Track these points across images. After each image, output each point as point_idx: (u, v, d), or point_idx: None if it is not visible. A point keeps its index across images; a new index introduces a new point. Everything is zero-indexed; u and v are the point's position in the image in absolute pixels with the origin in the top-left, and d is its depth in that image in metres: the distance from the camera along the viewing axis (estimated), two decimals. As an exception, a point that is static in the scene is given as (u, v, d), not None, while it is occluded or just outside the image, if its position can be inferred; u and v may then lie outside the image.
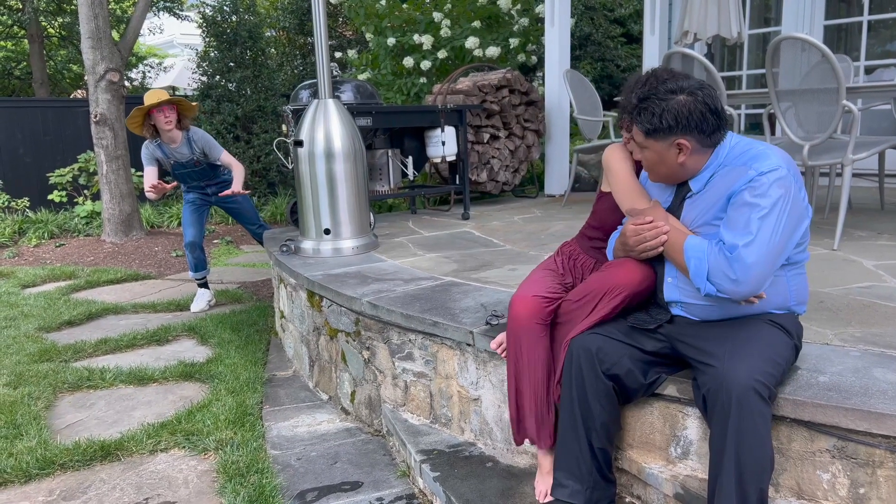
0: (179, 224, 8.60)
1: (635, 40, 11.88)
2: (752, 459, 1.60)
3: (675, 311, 1.98)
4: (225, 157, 4.68)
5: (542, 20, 7.09)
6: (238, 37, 9.76)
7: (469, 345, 2.48)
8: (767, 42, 6.33)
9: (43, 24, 11.54)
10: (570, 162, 6.18)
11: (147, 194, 4.44)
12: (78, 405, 3.35)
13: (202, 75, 10.13)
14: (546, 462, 2.13)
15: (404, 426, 2.72)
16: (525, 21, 7.11)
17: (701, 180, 1.89)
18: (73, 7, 11.78)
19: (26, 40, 11.88)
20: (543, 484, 2.11)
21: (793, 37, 3.49)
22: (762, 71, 6.78)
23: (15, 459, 2.71)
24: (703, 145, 1.83)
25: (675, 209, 1.96)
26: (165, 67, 14.87)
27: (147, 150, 4.57)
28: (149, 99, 4.36)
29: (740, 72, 6.97)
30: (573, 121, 6.37)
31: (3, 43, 12.15)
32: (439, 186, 5.40)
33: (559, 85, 5.95)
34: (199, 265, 4.94)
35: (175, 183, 4.77)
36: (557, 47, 5.95)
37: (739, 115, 6.56)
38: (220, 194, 4.76)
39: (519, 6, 7.32)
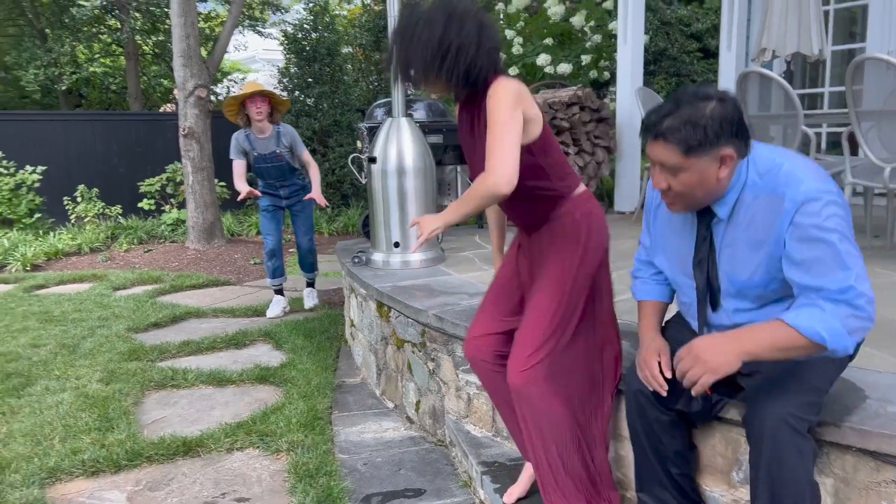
0: (258, 233, 8.97)
1: (712, 55, 11.64)
2: (787, 493, 1.57)
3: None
4: (306, 156, 4.94)
5: (615, 36, 7.08)
6: (317, 54, 10.14)
7: (532, 360, 2.53)
8: (853, 58, 6.13)
9: (139, 42, 12.30)
10: (641, 179, 6.13)
11: (237, 186, 4.67)
12: (163, 402, 3.58)
13: (283, 90, 10.57)
14: None
15: (467, 437, 2.79)
16: (598, 38, 7.11)
17: (727, 204, 1.72)
18: (166, 26, 12.50)
19: (123, 57, 12.69)
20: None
21: (875, 58, 3.40)
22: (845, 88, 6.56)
23: (107, 451, 2.93)
24: (741, 154, 1.66)
25: (701, 242, 1.82)
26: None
27: (236, 140, 4.77)
28: (245, 89, 4.65)
29: (822, 89, 6.75)
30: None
31: (102, 59, 12.99)
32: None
33: (631, 102, 5.92)
34: (277, 272, 5.16)
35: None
36: (630, 65, 5.94)
37: (819, 133, 6.35)
38: (304, 198, 4.95)
39: (592, 23, 7.33)
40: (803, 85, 6.94)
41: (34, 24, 11.54)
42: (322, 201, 4.80)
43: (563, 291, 2.07)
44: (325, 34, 10.21)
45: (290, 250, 8.04)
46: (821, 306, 1.55)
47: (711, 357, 1.58)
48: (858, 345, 1.70)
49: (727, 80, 6.07)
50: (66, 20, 11.56)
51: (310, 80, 10.12)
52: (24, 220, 8.46)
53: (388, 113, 4.71)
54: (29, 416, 3.31)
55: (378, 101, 4.70)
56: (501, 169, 1.83)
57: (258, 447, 3.03)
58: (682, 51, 11.70)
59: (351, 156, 4.58)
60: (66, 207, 8.81)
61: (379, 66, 13.56)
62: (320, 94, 10.11)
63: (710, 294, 1.85)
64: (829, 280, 1.55)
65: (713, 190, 1.68)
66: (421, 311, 3.07)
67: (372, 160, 4.00)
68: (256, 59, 24.80)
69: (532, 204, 2.13)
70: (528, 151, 1.99)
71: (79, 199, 8.84)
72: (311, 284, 5.48)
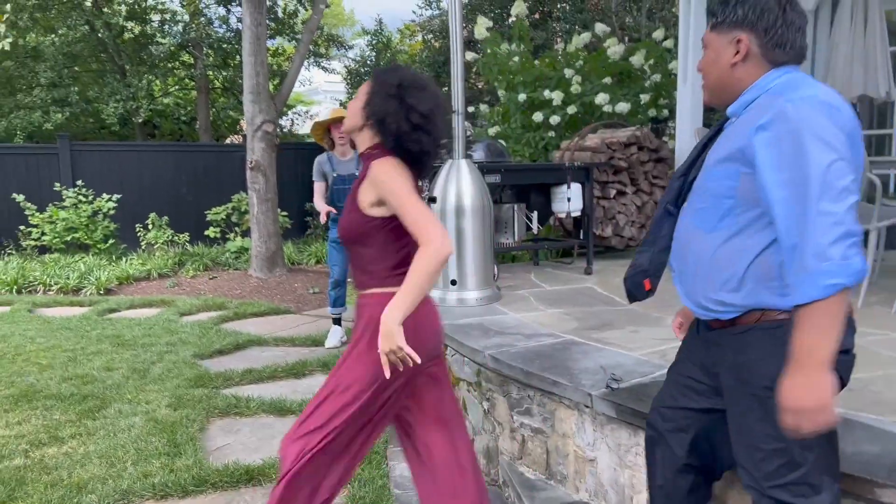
0: (317, 262, 9.22)
1: (775, 91, 11.47)
2: None
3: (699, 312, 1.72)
4: None
5: (675, 74, 7.09)
6: (378, 89, 10.45)
7: (587, 406, 2.56)
8: (923, 98, 5.97)
9: (210, 76, 12.92)
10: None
11: (317, 206, 4.99)
12: (226, 430, 3.73)
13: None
14: None
15: (520, 479, 2.82)
16: (657, 77, 7.13)
17: (741, 103, 1.62)
18: (235, 62, 13.10)
19: (194, 91, 13.34)
20: None
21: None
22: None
23: (175, 475, 3.07)
24: (762, 54, 1.58)
25: (702, 144, 1.76)
26: (311, 115, 16.08)
27: (318, 163, 5.09)
28: (331, 115, 5.05)
29: (890, 130, 6.58)
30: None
31: (174, 92, 13.67)
32: (562, 240, 5.51)
33: (690, 142, 5.90)
34: (339, 302, 5.32)
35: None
36: (690, 105, 5.93)
37: (889, 174, 6.18)
38: None
39: (651, 61, 7.36)
40: (870, 125, 6.78)
41: (115, 61, 12.27)
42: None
43: None
44: (387, 70, 10.52)
45: (348, 280, 8.23)
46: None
47: (804, 400, 1.38)
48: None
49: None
50: (145, 56, 12.25)
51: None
52: (98, 246, 8.92)
53: (449, 153, 4.84)
54: (104, 439, 3.49)
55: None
56: (434, 233, 1.83)
57: (316, 479, 3.12)
58: (743, 86, 11.56)
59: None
60: (138, 234, 9.26)
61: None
62: (380, 128, 10.37)
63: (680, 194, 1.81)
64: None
65: (725, 77, 1.63)
66: (477, 351, 3.14)
67: (432, 199, 4.12)
68: (318, 90, 25.61)
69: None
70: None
71: (150, 227, 9.28)
72: (337, 322, 5.48)
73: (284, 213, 9.06)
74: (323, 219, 4.90)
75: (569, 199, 4.94)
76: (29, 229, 8.87)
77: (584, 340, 3.24)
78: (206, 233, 9.58)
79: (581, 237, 5.25)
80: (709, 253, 1.63)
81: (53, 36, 11.53)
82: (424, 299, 1.96)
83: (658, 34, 7.52)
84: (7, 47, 8.66)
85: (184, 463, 3.20)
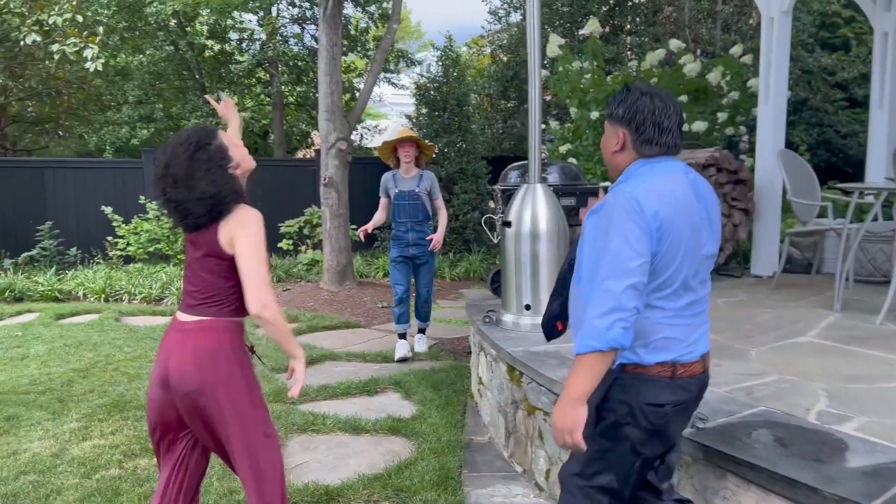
0: (385, 275, 9.36)
1: (859, 105, 11.00)
2: None
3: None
4: (440, 202, 5.52)
5: (753, 93, 6.89)
6: (447, 104, 10.56)
7: (671, 445, 2.51)
8: None
9: (285, 92, 13.33)
10: (782, 242, 5.88)
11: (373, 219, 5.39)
12: (304, 447, 3.82)
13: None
14: None
15: (599, 514, 2.78)
16: (736, 94, 6.95)
17: (617, 182, 1.98)
18: (308, 78, 13.47)
19: (269, 107, 13.79)
20: None
21: None
22: None
23: (259, 492, 3.17)
24: (634, 146, 1.95)
25: None
26: (380, 129, 16.36)
27: (383, 180, 5.40)
28: (399, 135, 5.41)
29: None
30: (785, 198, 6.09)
31: (251, 107, 14.15)
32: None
33: (771, 164, 5.73)
34: (403, 318, 5.51)
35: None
36: (772, 125, 5.76)
37: None
38: (428, 241, 5.36)
39: (728, 78, 7.18)
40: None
41: (196, 78, 12.82)
42: (437, 245, 5.32)
43: None
44: (456, 85, 10.62)
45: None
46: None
47: (559, 421, 1.85)
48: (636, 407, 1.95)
49: (879, 140, 5.74)
50: (224, 74, 12.74)
51: (438, 129, 10.53)
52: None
53: (523, 176, 4.85)
54: (190, 452, 3.63)
55: (513, 165, 4.86)
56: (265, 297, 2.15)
57: (393, 502, 3.16)
58: (825, 100, 11.14)
59: (484, 216, 4.75)
60: (216, 246, 9.60)
61: (504, 115, 13.89)
62: (448, 143, 10.48)
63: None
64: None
65: (610, 159, 2.04)
66: (554, 381, 3.12)
67: (507, 224, 4.13)
68: (385, 103, 26.00)
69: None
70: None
71: (227, 239, 9.61)
72: (422, 331, 5.82)
73: (353, 227, 9.25)
74: (361, 235, 5.28)
75: (645, 223, 4.85)
76: (115, 240, 9.34)
77: (665, 373, 3.18)
78: (280, 245, 9.86)
79: (656, 261, 5.15)
80: (579, 304, 2.00)
81: (141, 56, 12.13)
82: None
83: (736, 49, 7.33)
84: (100, 67, 9.14)
85: (266, 480, 3.29)
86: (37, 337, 6.23)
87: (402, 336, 5.55)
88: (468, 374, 5.06)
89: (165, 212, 2.28)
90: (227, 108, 2.74)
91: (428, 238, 5.35)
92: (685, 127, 6.53)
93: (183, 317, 2.24)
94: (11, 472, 3.40)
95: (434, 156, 10.42)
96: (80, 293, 8.09)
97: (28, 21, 9.34)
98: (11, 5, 9.18)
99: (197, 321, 2.22)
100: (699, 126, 6.47)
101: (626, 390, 1.93)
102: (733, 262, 6.55)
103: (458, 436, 3.92)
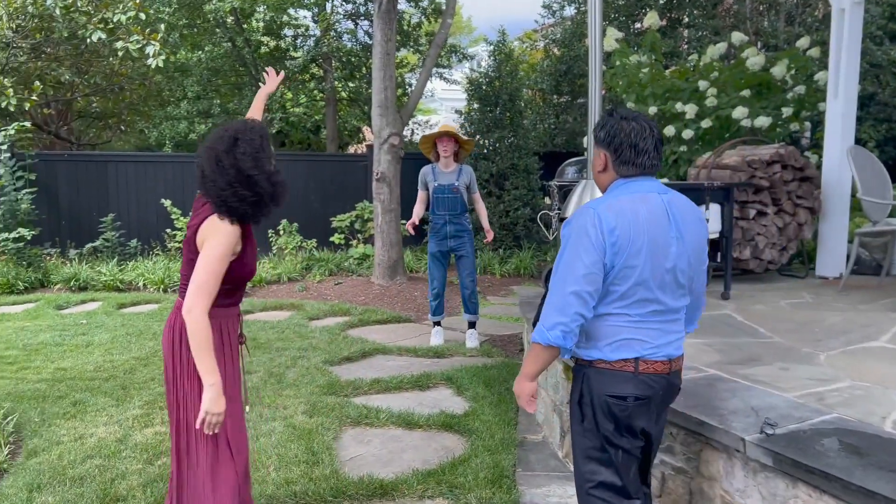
0: (434, 271, 9.37)
1: (932, 99, 10.49)
2: None
3: None
4: (477, 196, 5.70)
5: (820, 86, 6.63)
6: (499, 99, 10.48)
7: (738, 451, 2.43)
8: None
9: (337, 88, 13.46)
10: (850, 242, 5.65)
11: (413, 212, 5.62)
12: (358, 440, 3.84)
13: (464, 134, 11.03)
14: None
15: (660, 519, 2.71)
16: (801, 89, 6.69)
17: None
18: (361, 74, 13.58)
19: (322, 102, 13.95)
20: None
21: None
22: None
23: (314, 485, 3.20)
24: (614, 167, 2.15)
25: None
26: (431, 125, 16.39)
27: (422, 173, 5.59)
28: (439, 129, 5.59)
29: None
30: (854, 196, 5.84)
31: (303, 101, 14.33)
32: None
33: (839, 161, 5.50)
34: (439, 309, 5.84)
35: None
36: (840, 122, 5.53)
37: None
38: (467, 234, 5.59)
39: (793, 72, 6.91)
40: None
41: (252, 74, 13.06)
42: (492, 235, 5.58)
43: None
44: (508, 80, 10.53)
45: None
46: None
47: (515, 388, 2.24)
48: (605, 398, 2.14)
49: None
50: (279, 69, 12.95)
51: (489, 124, 10.47)
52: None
53: (580, 171, 4.77)
54: (248, 441, 3.69)
55: (569, 161, 4.79)
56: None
57: (448, 498, 3.15)
58: (894, 95, 10.67)
59: (540, 212, 4.69)
60: (270, 239, 9.77)
61: (557, 110, 13.73)
62: (499, 138, 10.41)
63: None
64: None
65: (596, 178, 2.25)
66: (614, 381, 3.05)
67: (564, 220, 4.06)
68: (436, 97, 26.05)
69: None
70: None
71: (281, 232, 9.77)
72: (472, 325, 5.84)
73: (403, 221, 9.27)
74: (409, 228, 5.53)
75: (707, 221, 4.71)
76: (174, 232, 9.59)
77: (730, 376, 3.08)
78: (332, 239, 9.97)
79: (718, 260, 5.01)
80: None
81: (199, 52, 12.42)
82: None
83: (803, 42, 7.06)
84: (161, 64, 9.39)
85: (321, 472, 3.33)
86: (100, 325, 6.44)
87: (437, 323, 5.88)
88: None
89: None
90: (276, 80, 3.12)
91: (488, 234, 5.60)
92: (748, 122, 6.33)
93: (179, 295, 2.41)
94: (79, 456, 3.52)
95: (485, 151, 10.40)
96: (140, 283, 8.34)
97: (94, 19, 9.66)
98: (78, 4, 9.50)
99: (179, 300, 2.35)
100: (762, 121, 6.24)
101: (594, 383, 2.12)
102: (797, 262, 6.33)
103: (511, 434, 3.88)
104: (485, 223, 5.65)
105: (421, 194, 5.63)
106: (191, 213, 2.43)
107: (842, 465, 2.15)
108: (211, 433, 2.28)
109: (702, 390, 2.87)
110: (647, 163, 2.11)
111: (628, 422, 2.10)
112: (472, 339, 5.78)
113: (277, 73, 3.22)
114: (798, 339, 3.77)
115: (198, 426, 2.25)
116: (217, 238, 2.22)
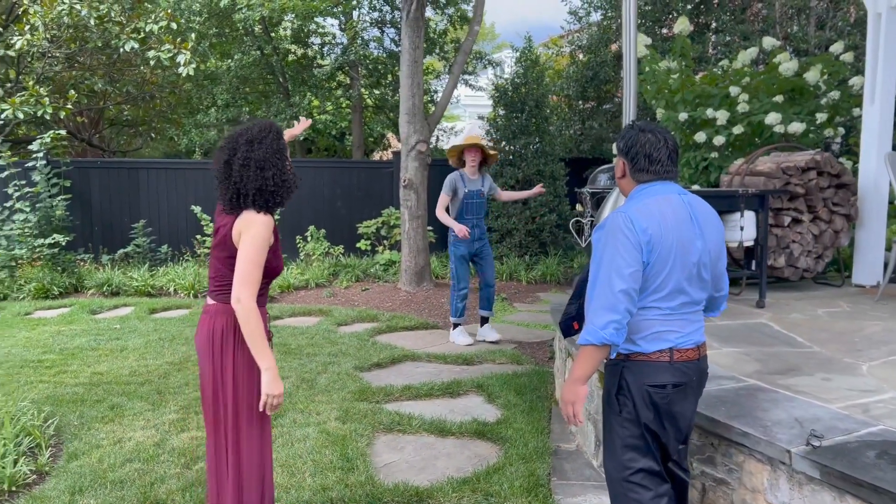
0: (461, 277, 9.37)
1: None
2: None
3: None
4: (499, 190, 6.24)
5: (854, 93, 6.52)
6: (525, 105, 10.46)
7: (784, 463, 2.39)
8: None
9: (364, 95, 13.55)
10: (888, 250, 5.54)
11: (444, 219, 5.82)
12: (391, 446, 3.85)
13: (489, 140, 11.02)
14: None
15: (701, 531, 2.68)
16: (836, 94, 6.59)
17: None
18: (387, 81, 13.64)
19: (348, 109, 14.05)
20: None
21: None
22: None
23: (350, 491, 3.22)
24: (631, 174, 2.33)
25: None
26: (455, 131, 16.40)
27: (449, 179, 5.84)
28: (466, 140, 5.93)
29: None
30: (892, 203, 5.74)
31: (330, 109, 14.45)
32: (731, 270, 5.20)
33: (876, 167, 5.41)
34: (462, 311, 6.14)
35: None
36: (878, 127, 5.43)
37: None
38: (533, 191, 6.13)
39: (826, 77, 6.81)
40: None
41: (280, 82, 13.20)
42: (540, 188, 6.10)
43: None
44: (534, 86, 10.52)
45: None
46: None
47: (565, 395, 2.28)
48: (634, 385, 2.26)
49: None
50: (306, 77, 13.06)
51: (515, 130, 10.46)
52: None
53: (613, 179, 4.74)
54: (283, 447, 3.72)
55: (601, 167, 4.76)
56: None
57: (483, 506, 3.14)
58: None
59: (573, 219, 4.67)
60: (297, 245, 9.85)
61: (583, 116, 13.68)
62: (525, 145, 10.40)
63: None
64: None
65: (619, 185, 2.43)
66: (652, 390, 3.02)
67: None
68: (460, 104, 26.11)
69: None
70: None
71: (308, 238, 9.85)
72: (486, 320, 6.21)
73: (430, 228, 9.29)
74: (465, 234, 5.69)
75: (741, 228, 4.67)
76: (204, 238, 9.71)
77: (771, 387, 3.04)
78: (358, 245, 10.02)
79: (752, 268, 4.95)
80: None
81: (229, 60, 12.58)
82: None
83: (836, 47, 6.96)
84: (191, 72, 9.53)
85: (357, 479, 3.34)
86: (133, 330, 6.54)
87: (457, 325, 6.14)
88: (551, 380, 4.99)
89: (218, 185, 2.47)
90: (304, 126, 3.24)
91: (532, 193, 6.13)
92: (781, 129, 6.25)
93: (208, 300, 2.54)
94: (118, 459, 3.57)
95: (511, 157, 10.38)
96: (171, 289, 8.45)
97: (126, 29, 9.85)
98: (112, 14, 9.69)
99: (212, 305, 2.49)
100: (795, 127, 6.15)
101: (633, 374, 2.24)
102: (832, 270, 6.22)
103: (545, 442, 3.86)
104: (524, 193, 6.27)
105: (445, 198, 5.84)
106: (213, 224, 2.56)
107: (892, 479, 2.11)
108: (270, 413, 2.46)
109: (743, 400, 2.84)
110: (661, 170, 2.28)
111: (668, 408, 2.24)
112: (493, 333, 6.16)
113: (308, 118, 3.39)
114: (838, 348, 3.71)
115: (260, 409, 2.41)
116: (255, 228, 2.34)
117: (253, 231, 2.34)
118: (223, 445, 2.48)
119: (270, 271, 2.44)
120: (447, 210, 5.97)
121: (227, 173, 2.38)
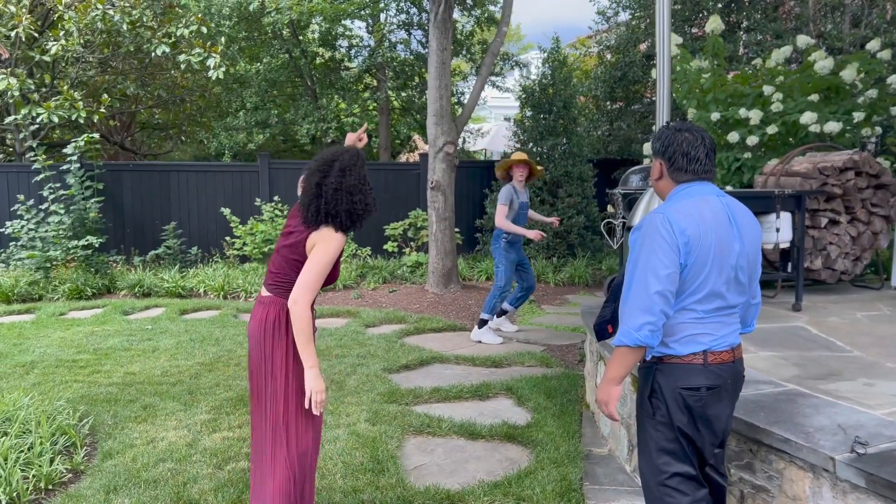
0: (487, 278, 9.35)
1: None
2: None
3: None
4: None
5: (891, 92, 6.36)
6: (553, 106, 10.40)
7: (827, 471, 2.32)
8: None
9: (391, 96, 13.58)
10: (928, 253, 5.39)
11: (513, 229, 6.10)
12: (421, 449, 3.83)
13: (517, 141, 10.98)
14: None
15: (740, 540, 2.62)
16: (873, 93, 6.43)
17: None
18: (414, 83, 13.66)
19: (375, 112, 14.09)
20: None
21: None
22: None
23: (381, 493, 3.20)
24: (669, 174, 2.29)
25: None
26: (483, 133, 16.36)
27: (506, 190, 6.20)
28: (515, 157, 6.28)
29: None
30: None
31: (357, 111, 14.50)
32: (766, 273, 5.10)
33: (918, 166, 5.26)
34: (496, 311, 6.40)
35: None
36: (919, 125, 5.29)
37: None
38: (550, 220, 6.54)
39: (863, 75, 6.66)
40: None
41: (308, 85, 13.28)
42: (555, 221, 6.54)
43: None
44: (562, 87, 10.45)
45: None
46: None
47: (599, 396, 2.29)
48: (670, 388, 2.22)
49: None
50: (334, 80, 13.14)
51: (543, 131, 10.40)
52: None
53: (645, 180, 4.68)
54: (313, 448, 3.72)
55: (633, 168, 4.70)
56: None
57: (515, 511, 3.11)
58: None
59: (604, 221, 4.62)
60: (325, 247, 9.88)
61: (611, 117, 13.56)
62: (552, 146, 10.33)
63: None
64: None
65: (656, 187, 2.39)
66: (688, 395, 2.96)
67: (629, 229, 3.98)
68: (486, 106, 26.06)
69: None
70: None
71: (335, 240, 9.88)
72: (504, 313, 6.64)
73: (457, 230, 9.26)
74: (539, 238, 6.02)
75: (777, 230, 4.57)
76: (233, 240, 9.80)
77: (811, 392, 2.96)
78: (385, 247, 10.04)
79: (788, 270, 4.84)
80: None
81: (258, 64, 12.71)
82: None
83: (873, 45, 6.80)
84: (221, 75, 9.64)
85: (387, 481, 3.33)
86: (164, 331, 6.62)
87: (486, 322, 6.40)
88: (581, 383, 4.94)
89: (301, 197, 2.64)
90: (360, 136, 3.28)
91: (549, 221, 6.53)
92: (817, 128, 6.12)
93: (263, 290, 2.68)
94: (151, 459, 3.61)
95: (538, 158, 10.32)
96: (201, 290, 8.54)
97: (158, 34, 10.00)
98: (144, 19, 9.84)
99: (267, 296, 2.64)
100: (832, 127, 6.01)
101: (665, 377, 2.21)
102: (869, 272, 6.07)
103: (576, 446, 3.81)
104: (541, 217, 6.65)
105: (504, 209, 6.15)
106: (287, 218, 2.73)
107: (943, 489, 2.04)
108: (318, 412, 2.54)
109: (783, 406, 2.77)
110: (700, 169, 2.25)
111: (702, 411, 2.20)
112: (512, 325, 6.77)
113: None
114: (880, 353, 3.61)
115: (306, 406, 2.53)
116: (330, 244, 2.51)
117: (328, 246, 2.50)
118: (265, 430, 2.61)
119: (329, 279, 2.61)
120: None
121: (318, 193, 2.53)
